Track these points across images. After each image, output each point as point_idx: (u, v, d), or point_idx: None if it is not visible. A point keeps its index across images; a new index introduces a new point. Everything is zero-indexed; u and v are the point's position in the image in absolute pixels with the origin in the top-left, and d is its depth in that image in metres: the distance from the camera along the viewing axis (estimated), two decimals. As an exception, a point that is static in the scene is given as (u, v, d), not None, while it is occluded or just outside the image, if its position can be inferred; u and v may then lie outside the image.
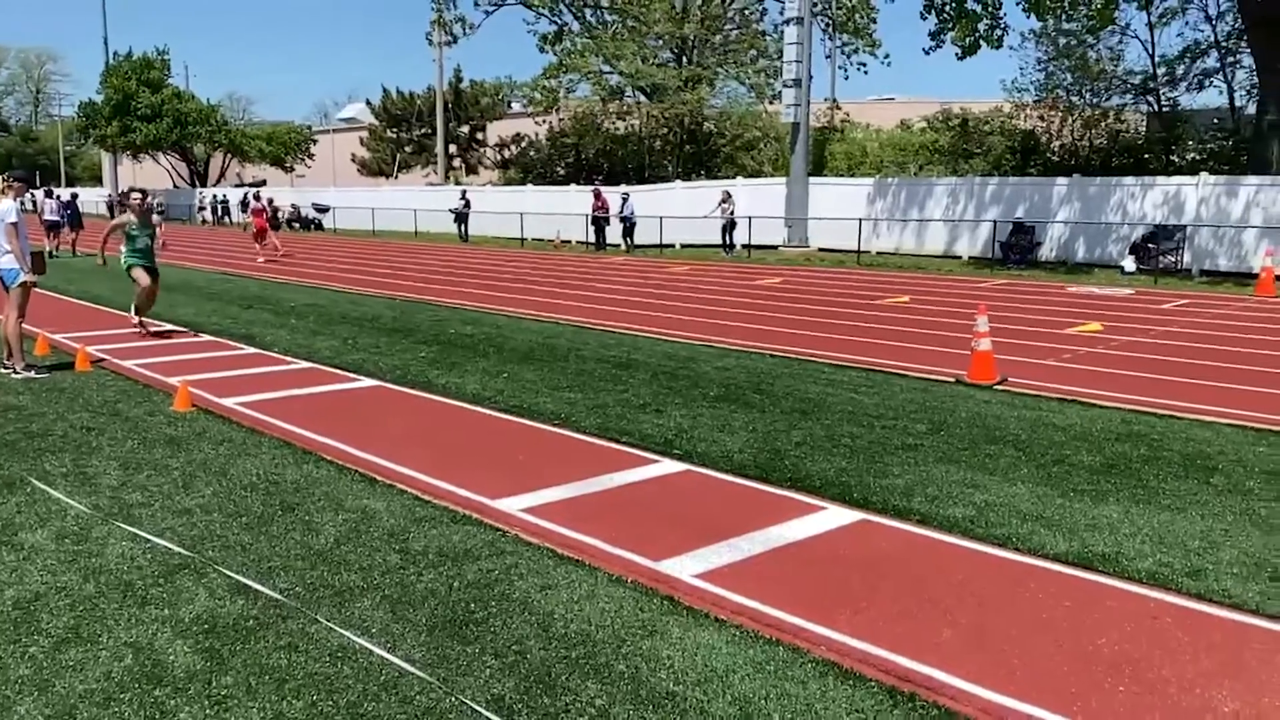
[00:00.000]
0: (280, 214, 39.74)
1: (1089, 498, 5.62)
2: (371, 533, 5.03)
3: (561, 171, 42.04)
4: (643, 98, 38.63)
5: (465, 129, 53.27)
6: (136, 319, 11.91)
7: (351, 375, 9.38)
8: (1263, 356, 10.58)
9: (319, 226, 43.71)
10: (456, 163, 52.81)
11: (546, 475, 6.01)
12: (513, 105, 53.03)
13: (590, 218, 30.83)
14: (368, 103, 59.92)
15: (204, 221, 49.60)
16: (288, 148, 59.34)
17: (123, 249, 11.58)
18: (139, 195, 11.79)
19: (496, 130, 51.42)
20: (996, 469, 6.20)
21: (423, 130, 53.55)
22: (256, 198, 32.37)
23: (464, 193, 36.56)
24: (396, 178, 55.00)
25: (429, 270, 22.40)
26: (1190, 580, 4.43)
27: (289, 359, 10.26)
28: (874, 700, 3.38)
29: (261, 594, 4.23)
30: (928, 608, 4.14)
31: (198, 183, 59.43)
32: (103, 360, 9.98)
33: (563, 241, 32.12)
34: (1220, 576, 4.47)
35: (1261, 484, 5.90)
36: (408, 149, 55.26)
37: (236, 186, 51.59)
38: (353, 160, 58.12)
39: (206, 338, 11.66)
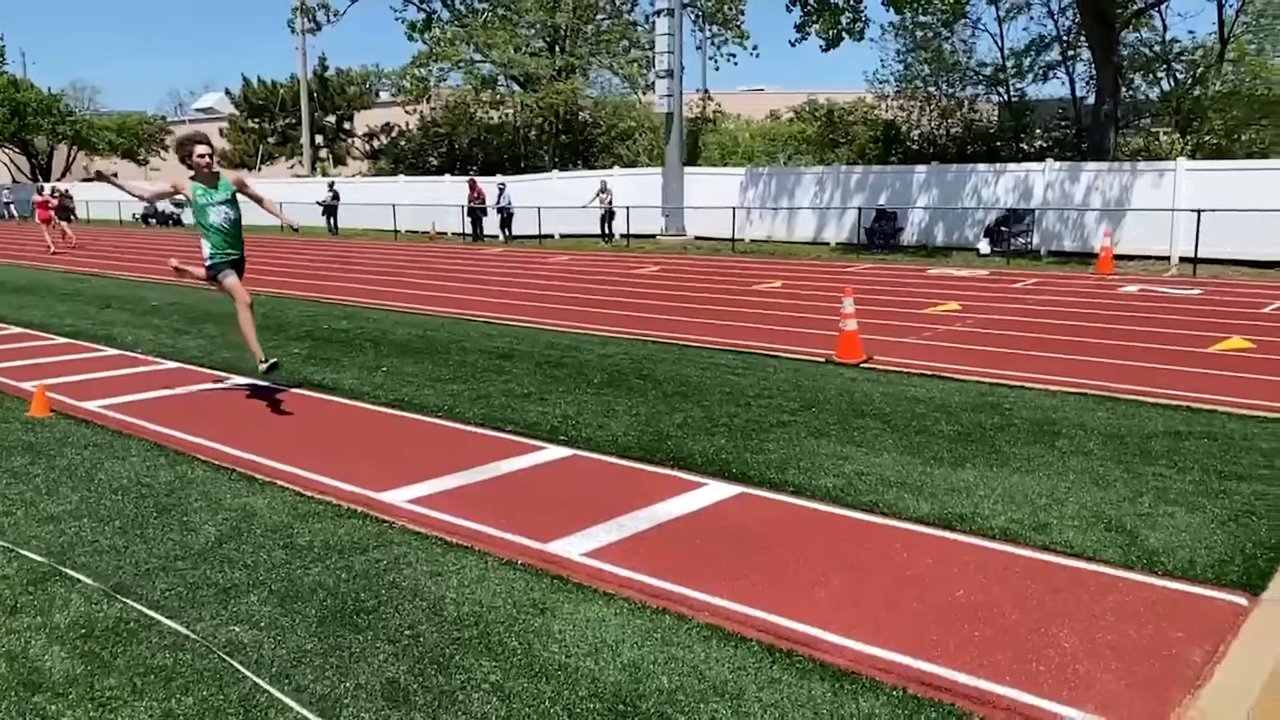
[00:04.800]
0: (73, 204, 39.84)
1: (948, 464, 6.02)
2: (254, 530, 4.96)
3: (435, 162, 41.38)
4: (516, 87, 38.38)
5: (332, 119, 51.71)
6: (261, 360, 7.66)
7: (222, 374, 9.10)
8: (1102, 330, 11.44)
9: (177, 222, 41.72)
10: (323, 153, 51.24)
11: (432, 466, 6.03)
12: (381, 94, 51.77)
13: (466, 208, 30.49)
14: (227, 92, 57.44)
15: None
16: (140, 139, 56.32)
17: (203, 242, 7.64)
18: (206, 148, 7.38)
19: (365, 120, 50.13)
20: (864, 441, 6.55)
21: (287, 120, 51.69)
22: (40, 191, 31.72)
23: (332, 184, 35.58)
24: (260, 169, 52.90)
25: (298, 265, 21.76)
26: (1037, 534, 4.83)
27: (154, 359, 9.86)
28: (755, 659, 3.59)
29: (141, 595, 4.13)
30: (803, 571, 4.39)
31: (40, 177, 55.70)
32: (-54, 366, 9.38)
33: (438, 233, 31.66)
34: (1063, 529, 4.89)
35: (1100, 445, 6.44)
36: (271, 140, 53.23)
37: (84, 181, 48.64)
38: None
39: (62, 340, 11.07)
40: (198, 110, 69.97)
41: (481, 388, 8.33)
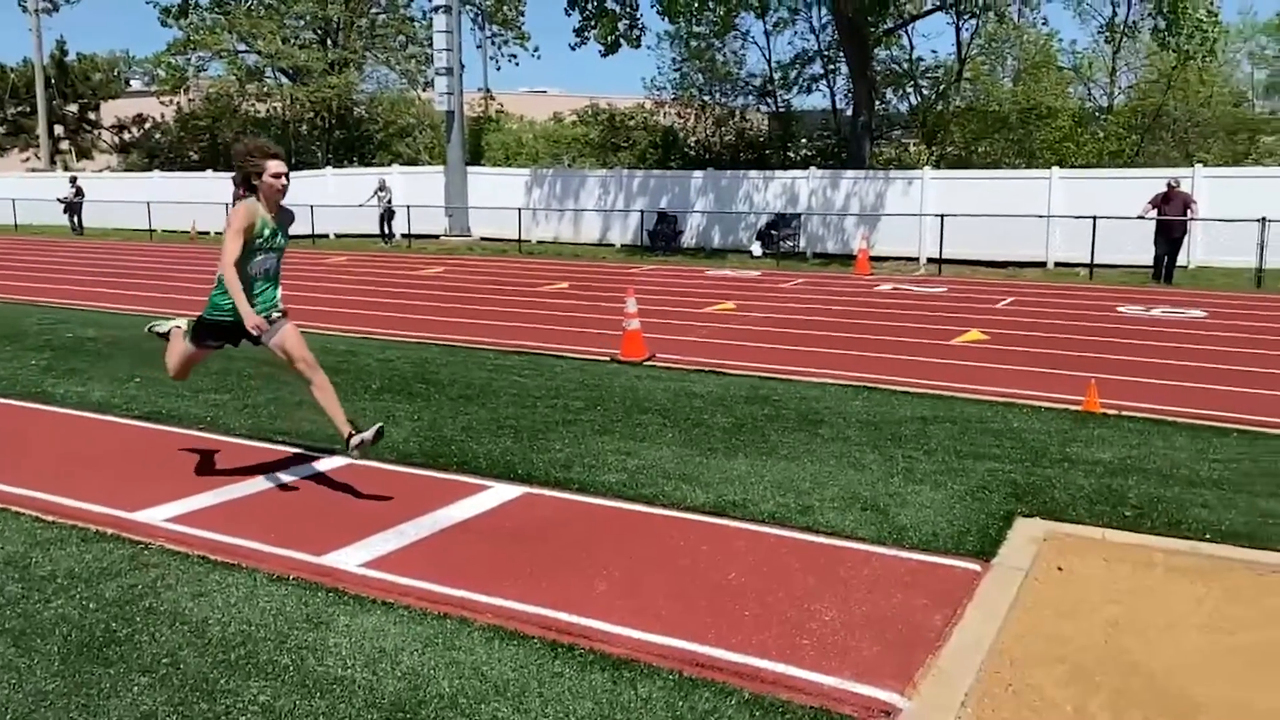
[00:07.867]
0: None
1: (723, 454, 6.31)
2: (-19, 562, 4.45)
3: (195, 156, 38.60)
4: (285, 80, 36.45)
5: (74, 108, 47.08)
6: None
7: (-58, 390, 8.09)
8: (860, 325, 12.35)
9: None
10: (65, 145, 46.60)
11: (194, 482, 5.64)
12: (132, 83, 47.78)
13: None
14: (-57, 74, 50.92)
15: None
16: None
17: (219, 293, 5.32)
18: (279, 162, 5.28)
19: (113, 110, 45.98)
20: (646, 436, 6.74)
21: (19, 108, 46.56)
22: None
23: (74, 179, 32.40)
24: (-12, 162, 47.35)
25: (35, 268, 19.69)
26: (801, 516, 5.16)
27: None
28: (537, 655, 3.61)
29: None
30: (585, 566, 4.47)
31: None
32: None
33: (200, 232, 29.60)
34: (825, 511, 5.25)
35: (857, 432, 6.95)
36: (1, 130, 47.78)
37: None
38: (-73, 141, 49.15)
39: None
40: (-93, 93, 61.55)
41: (248, 397, 7.88)
